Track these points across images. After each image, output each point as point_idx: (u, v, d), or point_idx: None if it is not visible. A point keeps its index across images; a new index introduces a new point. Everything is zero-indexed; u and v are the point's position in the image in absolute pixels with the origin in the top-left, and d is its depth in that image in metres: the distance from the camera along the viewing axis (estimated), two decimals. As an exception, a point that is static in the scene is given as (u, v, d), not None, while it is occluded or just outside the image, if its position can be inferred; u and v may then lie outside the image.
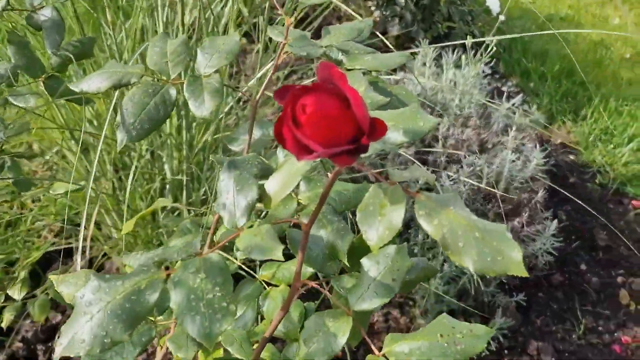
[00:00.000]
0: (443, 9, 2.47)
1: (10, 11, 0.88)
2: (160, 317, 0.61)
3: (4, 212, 1.53)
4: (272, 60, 1.36)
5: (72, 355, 0.41)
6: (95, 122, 1.33)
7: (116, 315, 0.42)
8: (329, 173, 0.68)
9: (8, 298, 1.02)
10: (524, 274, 0.43)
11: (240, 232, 0.47)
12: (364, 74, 0.69)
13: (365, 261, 0.50)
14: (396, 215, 0.44)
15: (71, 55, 0.92)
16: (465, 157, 1.62)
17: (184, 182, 1.29)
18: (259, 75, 1.13)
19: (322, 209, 0.66)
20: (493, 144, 1.69)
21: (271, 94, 1.27)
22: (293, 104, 0.39)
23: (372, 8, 2.77)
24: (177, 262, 0.46)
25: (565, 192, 1.43)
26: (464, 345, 0.45)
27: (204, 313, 0.42)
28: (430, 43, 2.51)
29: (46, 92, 0.93)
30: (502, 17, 2.24)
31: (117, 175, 1.33)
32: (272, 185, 0.48)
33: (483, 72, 2.12)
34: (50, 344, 1.34)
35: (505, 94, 2.11)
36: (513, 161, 1.56)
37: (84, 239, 1.51)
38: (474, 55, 1.87)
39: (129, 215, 1.36)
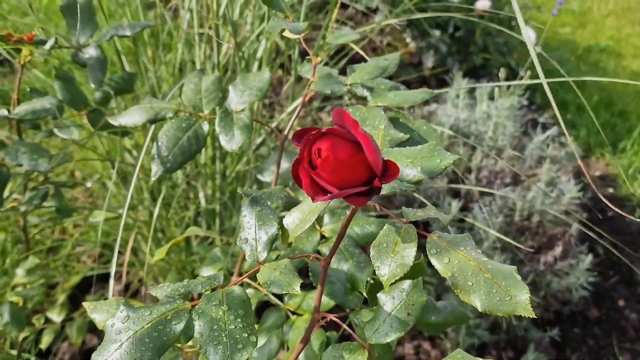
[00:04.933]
0: (478, 40, 2.48)
1: (57, 49, 0.94)
2: (188, 344, 0.63)
3: (46, 238, 1.60)
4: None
5: (100, 380, 0.44)
6: (134, 152, 1.39)
7: (144, 343, 0.45)
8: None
9: (48, 320, 1.07)
10: (531, 314, 0.44)
11: (261, 266, 0.50)
12: (386, 110, 0.71)
13: (381, 296, 0.51)
14: (408, 253, 0.46)
15: (111, 91, 0.97)
16: (498, 189, 1.61)
17: (217, 211, 1.32)
18: (290, 109, 1.17)
19: (344, 242, 0.68)
20: (527, 176, 1.68)
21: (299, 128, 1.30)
22: (309, 148, 0.42)
23: (408, 39, 2.81)
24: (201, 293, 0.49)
25: (602, 226, 1.40)
26: (476, 383, 0.46)
27: (225, 343, 0.44)
28: (465, 74, 2.52)
29: (89, 124, 0.99)
30: (538, 49, 2.24)
31: (154, 203, 1.38)
32: (290, 221, 0.50)
33: (519, 103, 2.11)
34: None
35: (540, 125, 2.10)
36: (546, 194, 1.54)
37: (121, 265, 1.56)
38: (508, 87, 1.87)
39: (165, 242, 1.41)
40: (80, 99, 0.98)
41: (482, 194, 1.68)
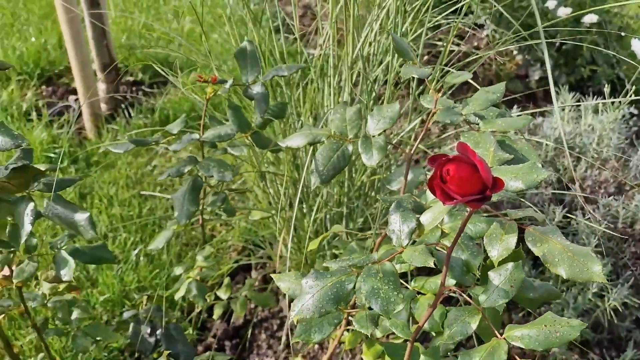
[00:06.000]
0: (585, 53, 2.55)
1: (233, 86, 1.21)
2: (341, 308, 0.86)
3: (200, 234, 1.93)
4: (420, 111, 1.61)
5: (300, 317, 0.68)
6: (273, 164, 1.67)
7: (327, 295, 0.68)
8: (467, 209, 0.90)
9: (217, 298, 1.36)
10: (603, 280, 0.62)
11: (403, 249, 0.71)
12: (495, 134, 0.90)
13: (491, 273, 0.71)
14: (511, 241, 0.66)
15: (271, 118, 1.24)
16: (601, 198, 1.72)
17: (344, 214, 1.56)
18: (408, 127, 1.38)
19: (461, 236, 0.88)
20: (631, 186, 1.76)
21: (420, 147, 1.51)
22: (440, 169, 0.63)
23: (515, 52, 2.92)
24: (361, 267, 0.71)
25: None
26: (561, 333, 0.65)
27: (382, 298, 0.66)
28: (572, 86, 2.59)
29: (253, 144, 1.26)
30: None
31: (291, 207, 1.65)
32: (424, 219, 0.72)
33: (629, 114, 2.18)
34: (234, 341, 1.67)
35: (648, 136, 2.15)
36: (649, 203, 1.63)
37: (261, 257, 1.85)
38: (613, 98, 1.96)
39: (296, 239, 1.66)
40: (245, 124, 1.25)
41: (586, 201, 1.79)
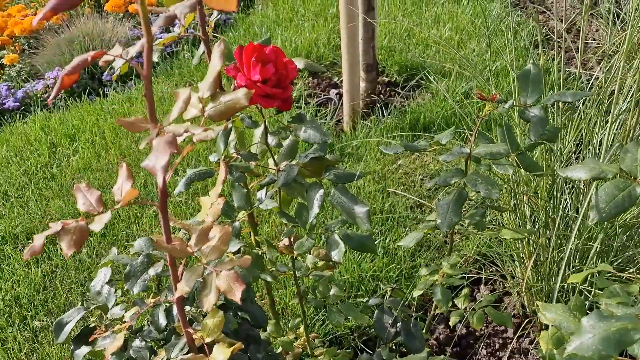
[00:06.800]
0: None
1: (512, 107, 1.23)
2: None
3: (435, 238, 1.99)
4: None
5: (578, 354, 0.69)
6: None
7: (608, 340, 0.68)
8: None
9: (454, 305, 1.41)
10: None
11: None
12: None
13: None
14: None
15: (543, 141, 1.23)
16: None
17: (597, 249, 1.48)
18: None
19: None
20: None
21: None
22: None
23: None
24: (651, 318, 0.70)
25: None
26: None
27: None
28: None
29: (518, 164, 1.27)
30: None
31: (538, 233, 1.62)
32: None
33: None
34: (455, 350, 1.71)
35: None
36: None
37: (493, 274, 1.84)
38: None
39: (533, 266, 1.63)
40: (514, 144, 1.27)
41: None
